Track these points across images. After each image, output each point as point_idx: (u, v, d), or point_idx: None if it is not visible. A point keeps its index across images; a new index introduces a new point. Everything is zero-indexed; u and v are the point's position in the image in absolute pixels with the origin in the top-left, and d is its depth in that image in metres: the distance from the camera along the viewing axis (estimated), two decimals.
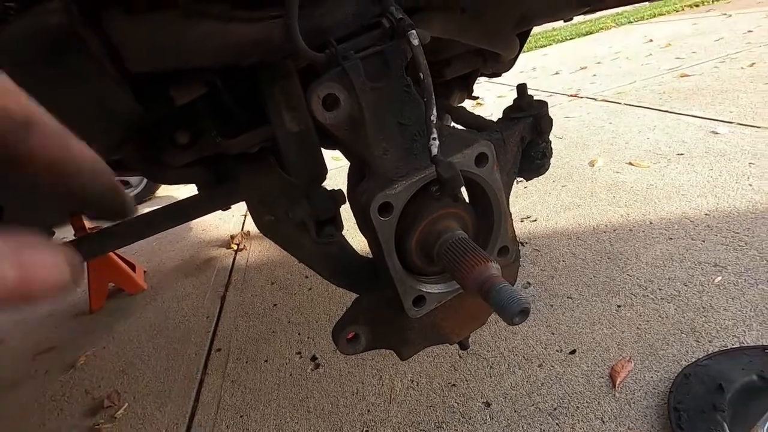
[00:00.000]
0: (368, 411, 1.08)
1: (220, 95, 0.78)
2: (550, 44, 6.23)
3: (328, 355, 1.29)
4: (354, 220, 0.61)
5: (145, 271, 2.22)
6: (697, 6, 6.22)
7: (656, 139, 2.15)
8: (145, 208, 3.59)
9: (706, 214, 1.46)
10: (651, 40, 4.63)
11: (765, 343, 0.95)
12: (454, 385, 1.07)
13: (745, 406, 0.83)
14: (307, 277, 1.77)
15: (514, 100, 0.63)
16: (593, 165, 2.07)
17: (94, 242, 1.04)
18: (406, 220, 0.53)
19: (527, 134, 0.61)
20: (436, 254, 0.53)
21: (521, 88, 0.63)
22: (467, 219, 0.56)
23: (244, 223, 2.54)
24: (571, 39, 6.27)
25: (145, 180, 3.69)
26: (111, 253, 1.92)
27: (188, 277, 2.07)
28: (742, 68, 2.88)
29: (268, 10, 0.54)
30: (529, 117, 0.61)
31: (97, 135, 0.71)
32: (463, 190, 0.60)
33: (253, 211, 0.98)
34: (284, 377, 1.25)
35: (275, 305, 1.64)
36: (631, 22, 6.37)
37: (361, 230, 0.62)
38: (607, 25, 6.49)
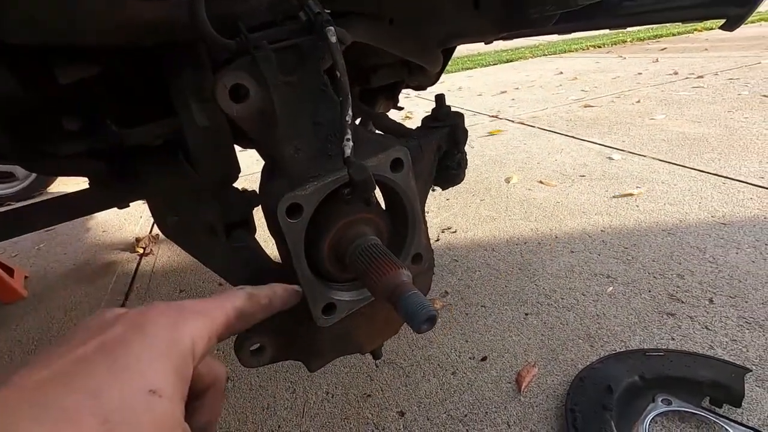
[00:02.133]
0: (279, 427, 1.02)
1: (119, 79, 0.70)
2: (475, 68, 6.62)
3: (239, 368, 1.21)
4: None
5: (26, 277, 1.93)
6: (599, 47, 7.02)
7: (563, 161, 2.36)
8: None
9: (601, 231, 1.62)
10: (561, 73, 5.12)
11: (645, 347, 1.06)
12: (369, 395, 1.06)
13: (629, 405, 0.92)
14: (221, 284, 1.66)
15: (432, 110, 0.64)
16: (509, 182, 2.21)
17: None
18: (318, 223, 0.51)
19: (444, 144, 0.62)
20: (348, 260, 0.51)
21: (439, 98, 0.64)
22: (381, 225, 0.55)
23: (153, 225, 2.33)
24: (494, 65, 6.72)
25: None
26: None
27: (81, 284, 1.84)
28: (632, 104, 3.28)
29: None
30: (446, 127, 0.62)
31: None
32: (381, 197, 0.59)
33: (155, 210, 0.88)
34: None
35: None
36: (546, 55, 7.00)
37: (270, 232, 0.58)
38: (525, 55, 7.07)
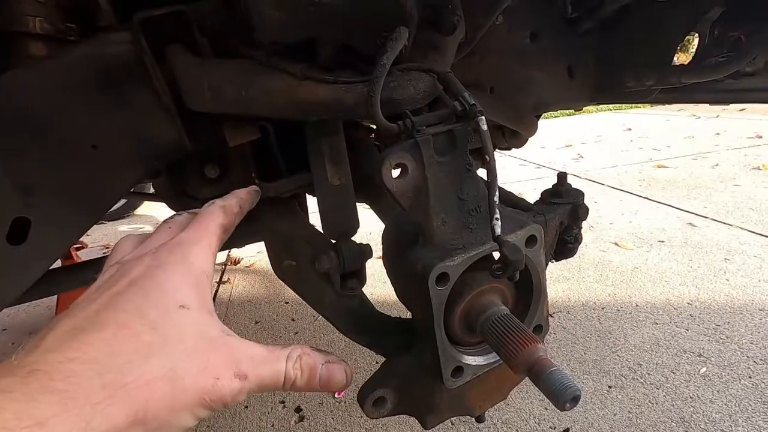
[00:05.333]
0: None
1: (267, 140, 0.80)
2: None
3: (314, 407, 1.24)
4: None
5: None
6: (669, 103, 6.82)
7: (638, 224, 2.28)
8: (123, 225, 3.47)
9: (688, 303, 1.53)
10: (629, 129, 5.02)
11: None
12: None
13: None
14: (293, 319, 1.73)
15: (554, 186, 0.68)
16: None
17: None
18: (453, 290, 0.55)
19: (566, 220, 0.65)
20: (479, 327, 0.54)
21: (561, 176, 0.68)
22: (508, 294, 0.58)
23: (228, 255, 2.48)
24: (556, 117, 6.71)
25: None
26: None
27: None
28: (712, 167, 3.14)
29: (343, 74, 0.57)
30: (569, 204, 0.65)
31: (136, 163, 0.71)
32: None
33: (273, 253, 0.97)
34: (265, 427, 1.19)
35: None
36: (611, 110, 6.91)
37: (399, 295, 0.63)
38: (589, 109, 7.01)
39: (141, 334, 0.28)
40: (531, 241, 0.55)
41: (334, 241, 0.79)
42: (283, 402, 1.28)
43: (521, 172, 3.72)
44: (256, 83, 0.59)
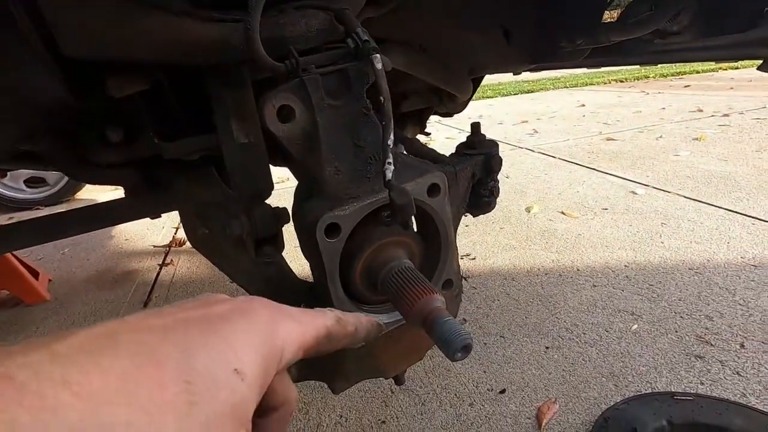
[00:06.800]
0: None
1: (162, 94, 0.72)
2: (496, 96, 6.70)
3: None
4: (296, 242, 0.58)
5: (50, 280, 1.97)
6: (621, 81, 7.04)
7: (585, 193, 2.34)
8: (62, 209, 3.25)
9: (625, 266, 1.58)
10: (583, 105, 5.14)
11: (673, 390, 1.02)
12: (383, 422, 1.03)
13: None
14: None
15: (468, 137, 0.65)
16: (529, 211, 2.19)
17: None
18: (352, 244, 0.51)
19: (478, 171, 0.63)
20: (380, 282, 0.51)
21: (475, 126, 0.65)
22: (414, 248, 0.55)
23: (174, 236, 2.37)
24: (515, 94, 6.78)
25: (66, 179, 3.35)
26: (9, 256, 1.69)
27: (102, 290, 1.87)
28: (656, 139, 3.26)
29: (228, 12, 0.51)
30: (481, 155, 0.63)
31: (10, 120, 0.63)
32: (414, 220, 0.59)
33: (187, 222, 0.90)
34: None
35: None
36: (567, 87, 7.05)
37: (303, 252, 0.59)
38: (546, 87, 7.13)
39: (163, 385, 0.21)
40: (433, 189, 0.52)
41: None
42: None
43: None
44: (133, 22, 0.51)
